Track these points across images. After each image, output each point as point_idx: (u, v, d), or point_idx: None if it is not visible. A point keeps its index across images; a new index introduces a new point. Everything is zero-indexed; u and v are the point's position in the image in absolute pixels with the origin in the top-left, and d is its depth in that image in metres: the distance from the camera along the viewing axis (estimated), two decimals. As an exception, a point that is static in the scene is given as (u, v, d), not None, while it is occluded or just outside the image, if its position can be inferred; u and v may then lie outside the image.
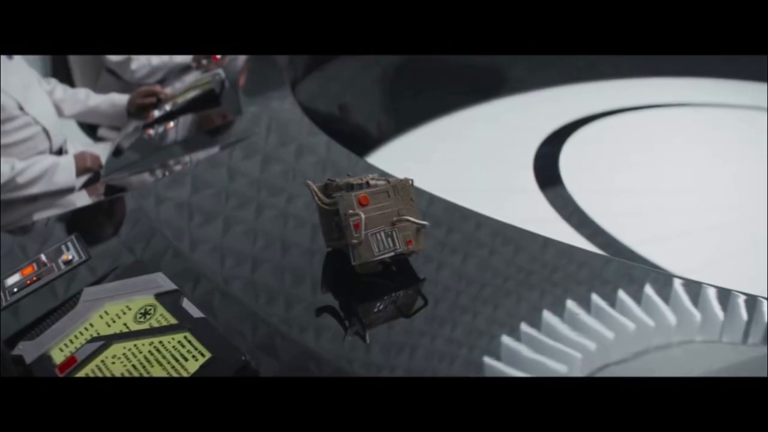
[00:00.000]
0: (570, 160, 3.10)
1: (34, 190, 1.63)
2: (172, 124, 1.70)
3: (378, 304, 0.90)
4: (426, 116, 3.51)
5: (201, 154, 1.44)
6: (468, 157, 3.10)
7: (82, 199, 1.56)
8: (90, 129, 2.30)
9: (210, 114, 1.74)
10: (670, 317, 0.82)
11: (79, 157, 1.71)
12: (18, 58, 1.80)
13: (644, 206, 2.67)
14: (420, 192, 1.10)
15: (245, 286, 0.94)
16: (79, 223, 1.25)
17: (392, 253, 0.90)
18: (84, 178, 1.71)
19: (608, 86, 4.02)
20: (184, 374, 0.77)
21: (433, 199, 1.11)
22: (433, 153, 3.16)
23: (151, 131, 1.72)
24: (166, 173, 1.36)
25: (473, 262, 0.97)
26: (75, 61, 2.43)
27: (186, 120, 1.74)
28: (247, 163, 1.29)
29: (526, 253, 0.97)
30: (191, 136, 1.64)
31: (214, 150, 1.43)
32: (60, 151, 1.81)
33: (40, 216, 1.48)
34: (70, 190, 1.66)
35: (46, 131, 1.74)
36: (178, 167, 1.39)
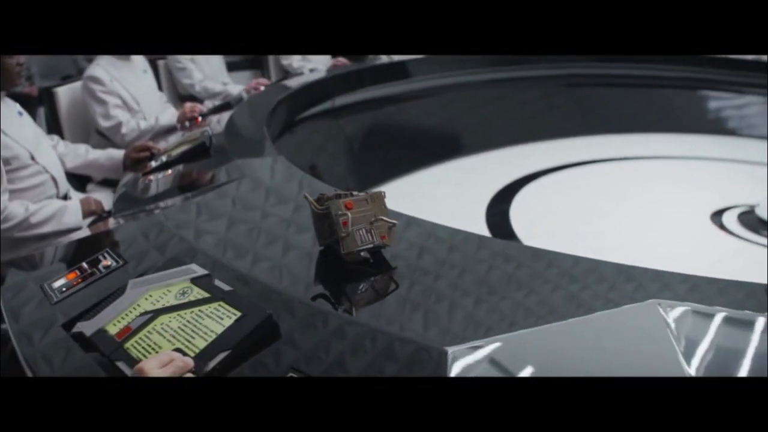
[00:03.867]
0: (520, 213, 3.50)
1: (45, 229, 1.90)
2: (169, 171, 2.03)
3: (360, 287, 1.23)
4: (386, 177, 3.90)
5: (199, 195, 1.76)
6: (426, 213, 3.46)
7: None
8: (80, 185, 2.58)
9: (201, 164, 2.07)
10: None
11: (85, 201, 2.00)
12: (26, 115, 2.12)
13: (593, 249, 3.06)
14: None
15: (262, 272, 1.25)
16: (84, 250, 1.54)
17: (371, 246, 1.24)
18: (89, 220, 1.99)
19: (549, 146, 4.53)
20: (221, 328, 1.07)
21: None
22: (395, 209, 3.52)
23: (152, 177, 2.04)
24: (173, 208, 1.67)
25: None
26: (66, 122, 2.75)
27: (181, 169, 2.06)
28: (252, 194, 1.62)
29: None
30: (187, 182, 1.96)
31: (211, 191, 1.75)
32: (65, 197, 2.09)
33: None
34: (77, 230, 1.94)
35: (54, 179, 2.04)
36: (178, 204, 1.71)
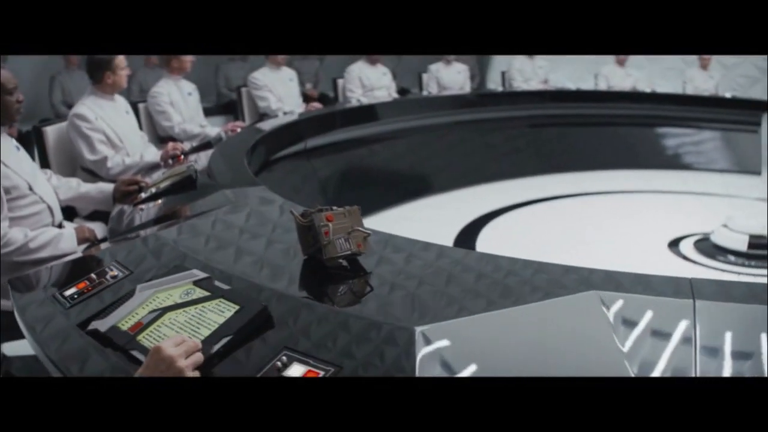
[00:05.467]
0: (485, 247, 3.76)
1: (43, 254, 2.08)
2: (159, 201, 2.26)
3: (340, 288, 1.46)
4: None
5: (187, 219, 1.98)
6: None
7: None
8: (67, 218, 2.77)
9: (190, 194, 2.30)
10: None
11: (79, 229, 2.20)
12: (23, 150, 2.33)
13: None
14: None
15: (257, 275, 1.48)
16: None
17: (349, 252, 1.48)
18: (83, 246, 2.19)
19: (513, 184, 4.86)
20: (223, 319, 1.28)
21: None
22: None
23: (143, 207, 2.26)
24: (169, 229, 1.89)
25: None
26: (53, 159, 2.96)
27: (170, 199, 2.29)
28: (236, 216, 1.86)
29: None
30: (177, 210, 2.18)
31: (203, 215, 1.97)
32: (60, 225, 2.29)
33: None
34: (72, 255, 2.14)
35: (50, 208, 2.24)
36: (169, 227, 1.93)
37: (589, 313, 1.32)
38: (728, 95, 6.45)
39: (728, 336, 1.26)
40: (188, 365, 1.13)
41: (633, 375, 1.15)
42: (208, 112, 5.01)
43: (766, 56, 8.38)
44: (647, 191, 4.91)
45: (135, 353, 1.28)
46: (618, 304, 1.32)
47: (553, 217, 4.31)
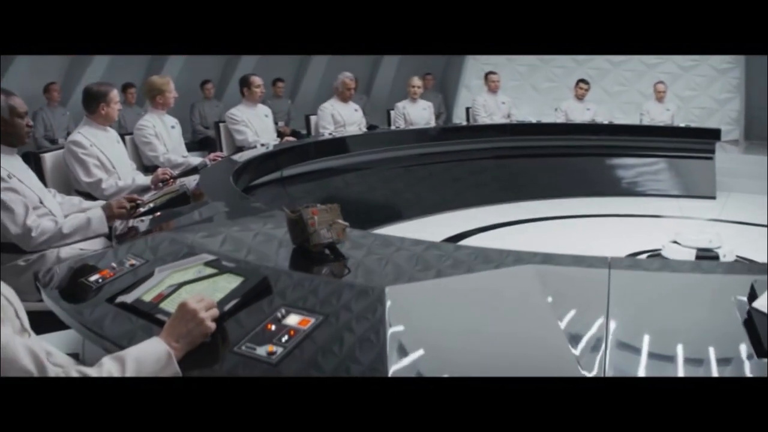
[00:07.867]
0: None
1: (76, 237, 2.41)
2: (159, 213, 2.62)
3: (324, 268, 1.84)
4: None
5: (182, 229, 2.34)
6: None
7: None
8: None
9: (184, 208, 2.67)
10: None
11: (107, 206, 2.51)
12: (31, 171, 2.68)
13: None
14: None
15: (254, 259, 1.85)
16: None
17: (330, 240, 1.86)
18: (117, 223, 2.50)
19: (478, 211, 5.31)
20: (232, 287, 1.64)
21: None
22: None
23: (143, 219, 2.62)
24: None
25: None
26: (50, 183, 3.29)
27: (166, 212, 2.65)
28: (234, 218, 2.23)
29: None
30: (173, 221, 2.54)
31: (204, 220, 2.34)
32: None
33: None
34: (103, 235, 2.48)
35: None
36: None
37: (525, 281, 1.72)
38: (683, 125, 6.98)
39: (636, 298, 1.65)
40: (207, 317, 1.48)
41: (562, 329, 1.52)
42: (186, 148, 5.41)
43: (721, 89, 9.05)
44: (604, 215, 5.39)
45: (159, 316, 1.62)
46: (549, 275, 1.71)
47: (514, 239, 4.75)
